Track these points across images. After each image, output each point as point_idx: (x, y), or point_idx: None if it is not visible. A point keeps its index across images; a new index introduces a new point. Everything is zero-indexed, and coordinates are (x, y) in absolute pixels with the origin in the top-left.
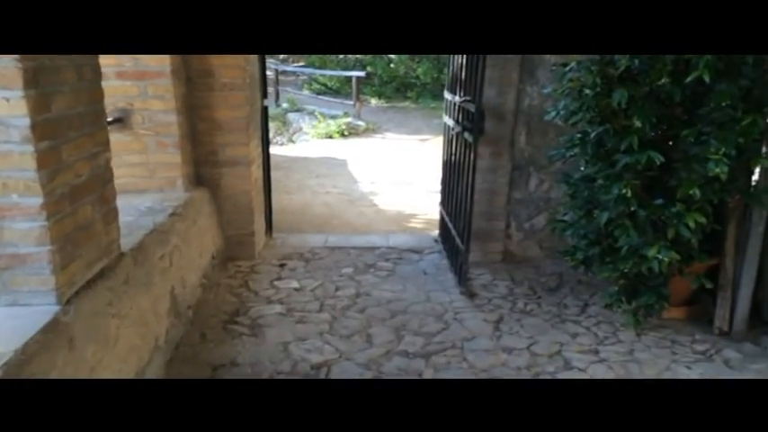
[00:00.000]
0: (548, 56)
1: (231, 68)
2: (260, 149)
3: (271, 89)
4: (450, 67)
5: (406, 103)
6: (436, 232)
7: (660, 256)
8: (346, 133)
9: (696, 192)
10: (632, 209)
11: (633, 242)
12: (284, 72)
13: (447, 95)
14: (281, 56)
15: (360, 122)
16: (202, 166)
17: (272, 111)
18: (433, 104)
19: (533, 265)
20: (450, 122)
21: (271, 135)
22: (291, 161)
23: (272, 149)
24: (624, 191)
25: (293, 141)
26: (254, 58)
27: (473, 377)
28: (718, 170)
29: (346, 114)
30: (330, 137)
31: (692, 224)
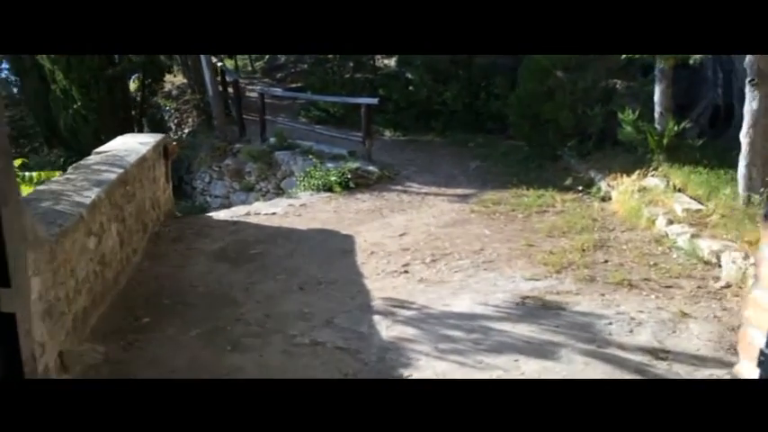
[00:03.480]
0: None
1: None
2: None
3: (256, 118)
4: None
5: (430, 137)
6: None
7: None
8: (352, 185)
9: None
10: None
11: None
12: (275, 96)
13: None
14: (278, 75)
15: (371, 167)
16: None
17: (255, 149)
18: (470, 141)
19: None
20: None
21: (252, 180)
22: (269, 238)
23: (246, 209)
24: None
25: (282, 190)
26: None
27: None
28: None
29: (352, 155)
30: (330, 189)
31: None
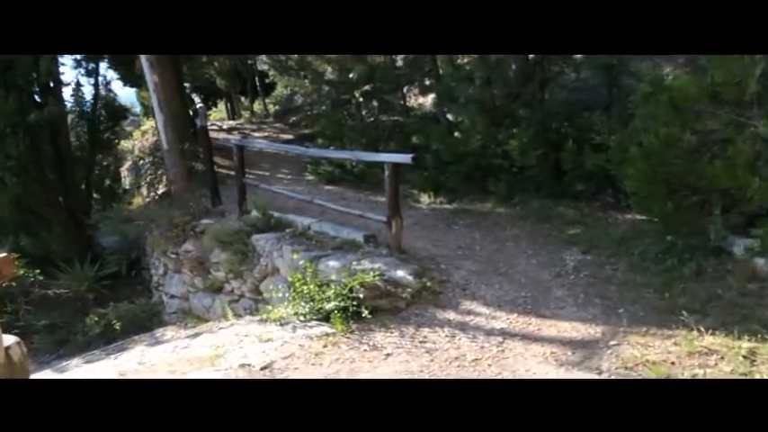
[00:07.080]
0: None
1: None
2: None
3: (230, 182)
4: None
5: (488, 205)
6: None
7: None
8: (367, 313)
9: None
10: None
11: None
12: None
13: None
14: (291, 119)
15: (400, 272)
16: None
17: (224, 230)
18: (553, 214)
19: None
20: None
21: (220, 276)
22: None
23: (145, 363)
24: None
25: (260, 295)
26: None
27: None
28: None
29: (371, 242)
30: (327, 318)
31: None
